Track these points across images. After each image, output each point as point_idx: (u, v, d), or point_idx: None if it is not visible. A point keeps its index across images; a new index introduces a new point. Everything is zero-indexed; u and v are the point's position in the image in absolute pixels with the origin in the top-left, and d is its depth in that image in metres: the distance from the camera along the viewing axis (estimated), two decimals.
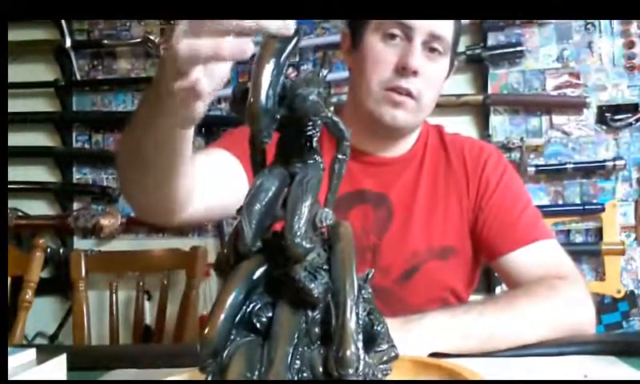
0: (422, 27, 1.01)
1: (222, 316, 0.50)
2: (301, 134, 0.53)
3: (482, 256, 1.13)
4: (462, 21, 1.10)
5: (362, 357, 0.47)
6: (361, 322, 0.50)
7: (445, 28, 1.04)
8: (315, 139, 0.54)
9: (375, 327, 0.52)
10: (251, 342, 0.50)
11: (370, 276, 0.56)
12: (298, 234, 0.49)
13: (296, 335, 0.49)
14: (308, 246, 0.49)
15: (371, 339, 0.52)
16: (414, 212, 1.10)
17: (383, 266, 1.06)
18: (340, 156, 0.54)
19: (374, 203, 1.10)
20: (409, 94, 1.02)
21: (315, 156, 0.54)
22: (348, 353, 0.47)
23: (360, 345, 0.48)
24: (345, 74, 2.00)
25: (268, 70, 0.50)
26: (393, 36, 1.03)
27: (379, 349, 0.53)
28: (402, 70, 1.01)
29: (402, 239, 1.08)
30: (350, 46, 1.11)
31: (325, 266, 0.51)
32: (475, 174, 1.11)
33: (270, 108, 0.50)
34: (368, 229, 1.08)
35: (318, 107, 0.51)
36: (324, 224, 0.52)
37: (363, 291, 0.53)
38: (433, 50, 1.03)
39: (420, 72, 1.02)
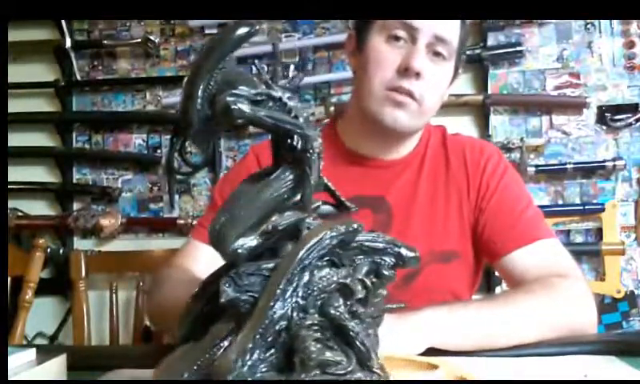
0: (427, 29, 1.01)
1: (194, 305, 0.53)
2: (283, 137, 0.52)
3: (484, 257, 1.13)
4: (467, 27, 1.09)
5: (239, 367, 0.46)
6: (269, 336, 0.47)
7: (450, 32, 1.03)
8: (295, 141, 0.52)
9: (306, 345, 0.47)
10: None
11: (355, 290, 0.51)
12: (227, 239, 0.50)
13: (218, 336, 0.50)
14: (234, 251, 0.50)
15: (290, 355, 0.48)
16: (413, 215, 1.09)
17: None
18: (304, 154, 0.52)
19: (374, 207, 1.09)
20: (410, 95, 1.02)
21: (293, 159, 0.53)
22: (226, 359, 0.47)
23: (248, 356, 0.46)
24: (345, 73, 2.01)
25: (197, 74, 0.49)
26: (397, 38, 1.03)
27: (329, 371, 0.46)
28: (405, 71, 1.01)
29: None
30: (354, 48, 1.11)
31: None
32: (475, 176, 1.11)
33: (195, 114, 0.49)
34: None
35: (232, 111, 0.48)
36: (270, 229, 0.51)
37: (330, 308, 0.49)
38: (437, 53, 1.03)
39: (423, 74, 1.01)
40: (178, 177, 2.12)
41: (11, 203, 2.09)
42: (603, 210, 1.94)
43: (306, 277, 0.49)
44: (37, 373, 0.68)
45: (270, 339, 0.47)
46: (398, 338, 0.76)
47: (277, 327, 0.48)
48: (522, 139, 1.98)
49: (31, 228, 2.11)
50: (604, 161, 1.95)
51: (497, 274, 1.46)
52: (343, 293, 0.50)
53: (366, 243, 0.54)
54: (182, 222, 2.07)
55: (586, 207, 1.96)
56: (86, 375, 0.78)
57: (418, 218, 1.09)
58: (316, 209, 0.57)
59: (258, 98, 0.50)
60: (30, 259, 1.69)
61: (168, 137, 2.14)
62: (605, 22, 1.99)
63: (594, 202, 1.97)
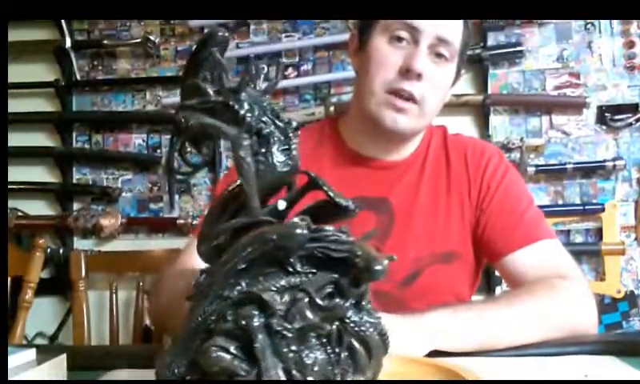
0: (430, 30, 1.01)
1: None
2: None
3: (484, 257, 1.12)
4: (470, 28, 1.09)
5: (161, 366, 0.50)
6: (197, 339, 0.49)
7: (452, 33, 1.03)
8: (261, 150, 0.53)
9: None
10: None
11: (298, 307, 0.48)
12: (201, 242, 0.53)
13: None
14: (200, 253, 0.54)
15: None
16: (414, 216, 1.09)
17: None
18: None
19: (376, 208, 1.09)
20: (411, 98, 1.02)
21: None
22: (160, 360, 0.51)
23: (172, 358, 0.49)
24: (345, 73, 2.01)
25: (185, 77, 0.54)
26: (400, 38, 1.02)
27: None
28: (406, 72, 1.01)
29: (403, 244, 1.07)
30: (356, 48, 1.11)
31: None
32: (477, 176, 1.10)
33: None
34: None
35: (178, 122, 0.51)
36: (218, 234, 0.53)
37: (241, 318, 0.48)
38: (439, 55, 1.03)
39: (424, 75, 1.01)
40: (178, 177, 2.12)
41: (11, 203, 2.09)
42: (603, 209, 1.94)
43: (244, 282, 0.49)
44: (37, 373, 0.68)
45: (199, 342, 0.48)
46: (402, 338, 0.76)
47: (201, 330, 0.48)
48: (521, 139, 1.98)
49: (31, 228, 2.11)
50: (604, 161, 1.95)
51: (497, 273, 1.46)
52: (259, 305, 0.48)
53: (323, 251, 0.49)
54: (181, 221, 2.07)
55: (586, 207, 1.96)
56: (86, 375, 0.78)
57: (420, 218, 1.09)
58: (273, 211, 0.54)
59: (207, 106, 0.52)
60: (30, 259, 1.69)
61: (168, 137, 2.14)
62: (605, 22, 1.99)
63: (594, 201, 1.97)
